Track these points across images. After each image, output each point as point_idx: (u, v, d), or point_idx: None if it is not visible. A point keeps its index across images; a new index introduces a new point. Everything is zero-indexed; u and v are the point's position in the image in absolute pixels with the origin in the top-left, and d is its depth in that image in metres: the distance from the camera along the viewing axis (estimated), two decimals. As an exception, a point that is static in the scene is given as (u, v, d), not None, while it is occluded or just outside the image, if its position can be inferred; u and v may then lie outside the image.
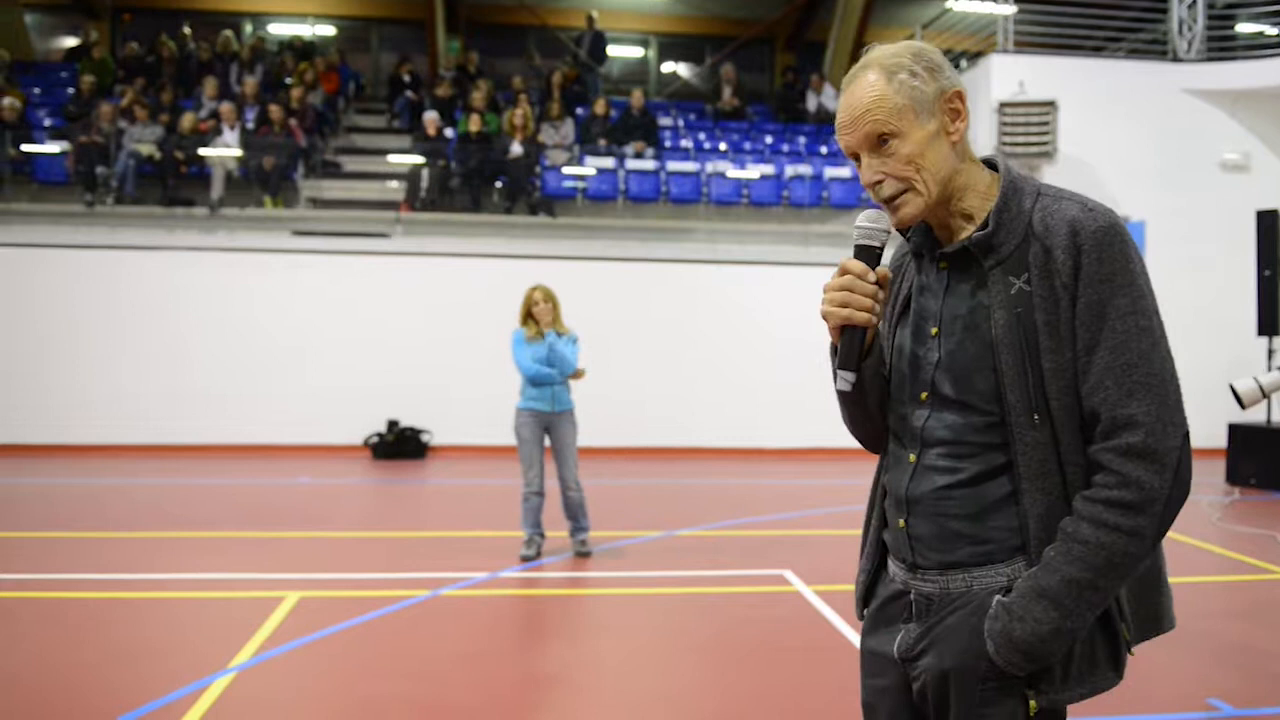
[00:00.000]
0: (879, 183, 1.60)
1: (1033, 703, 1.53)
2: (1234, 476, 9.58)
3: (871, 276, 1.63)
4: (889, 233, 1.66)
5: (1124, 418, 1.47)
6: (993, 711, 1.54)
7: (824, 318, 1.65)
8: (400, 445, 11.14)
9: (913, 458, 1.64)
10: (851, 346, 1.65)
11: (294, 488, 9.19)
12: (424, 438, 11.28)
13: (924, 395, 1.63)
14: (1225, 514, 8.15)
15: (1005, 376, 1.54)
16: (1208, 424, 11.30)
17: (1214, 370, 11.80)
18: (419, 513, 8.62)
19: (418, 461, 11.00)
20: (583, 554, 6.31)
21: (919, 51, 1.60)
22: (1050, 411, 1.52)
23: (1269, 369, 9.42)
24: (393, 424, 11.26)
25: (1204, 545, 6.91)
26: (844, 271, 1.63)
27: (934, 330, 1.63)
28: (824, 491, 9.26)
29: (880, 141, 1.57)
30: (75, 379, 10.99)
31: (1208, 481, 9.78)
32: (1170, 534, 6.46)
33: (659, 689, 4.17)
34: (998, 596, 1.54)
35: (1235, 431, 9.72)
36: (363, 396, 11.25)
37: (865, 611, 1.80)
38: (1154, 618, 1.62)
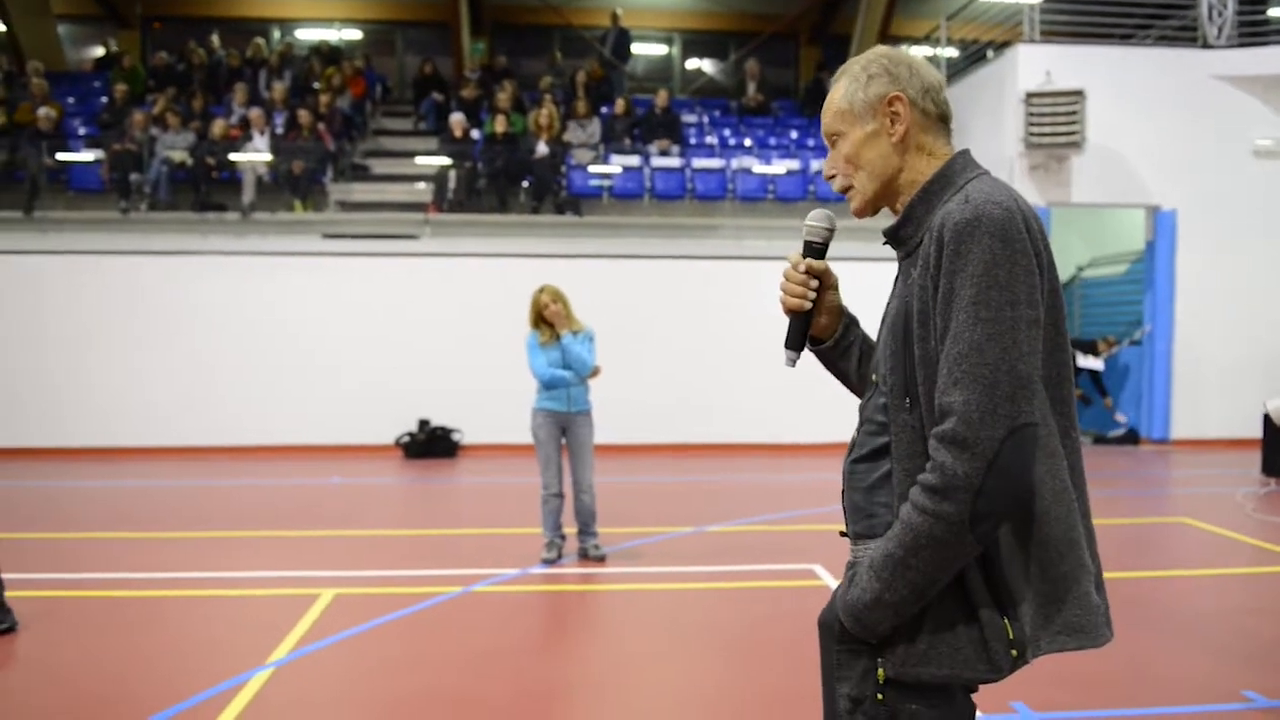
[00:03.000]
0: (833, 177, 1.78)
1: (880, 670, 1.60)
2: (1270, 467, 9.45)
3: (802, 267, 1.84)
4: (832, 230, 1.86)
5: (945, 405, 1.49)
6: (847, 674, 1.64)
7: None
8: (431, 444, 11.24)
9: (855, 434, 1.78)
10: (793, 329, 1.87)
11: (327, 487, 9.31)
12: (455, 437, 11.37)
13: (874, 376, 1.75)
14: (1260, 505, 8.05)
15: (888, 362, 1.65)
16: (1242, 413, 11.20)
17: (1248, 358, 11.70)
18: (450, 511, 8.71)
19: (449, 460, 11.09)
20: (598, 558, 6.16)
21: (874, 59, 1.73)
22: (919, 397, 1.58)
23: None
24: (424, 423, 11.37)
25: (1238, 536, 6.84)
26: (789, 263, 1.86)
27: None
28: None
29: (832, 141, 1.77)
30: (111, 382, 11.18)
31: (1242, 473, 9.67)
32: (1203, 525, 6.36)
33: (689, 683, 4.20)
34: None
35: (1271, 422, 9.58)
36: (394, 396, 11.36)
37: None
38: (1070, 629, 1.58)
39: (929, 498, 1.48)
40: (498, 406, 11.07)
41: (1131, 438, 12.18)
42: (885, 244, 1.76)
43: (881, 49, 1.74)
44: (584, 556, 6.21)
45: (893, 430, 1.62)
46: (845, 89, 1.72)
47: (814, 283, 1.84)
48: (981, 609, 1.55)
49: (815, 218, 1.84)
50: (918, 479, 1.52)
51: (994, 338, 1.47)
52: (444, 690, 4.04)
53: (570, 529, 6.38)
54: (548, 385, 6.08)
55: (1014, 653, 1.55)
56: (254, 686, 4.00)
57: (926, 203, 1.65)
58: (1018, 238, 1.51)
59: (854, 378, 1.94)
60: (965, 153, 1.70)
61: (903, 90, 1.67)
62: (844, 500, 1.77)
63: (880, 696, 1.59)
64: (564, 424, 6.13)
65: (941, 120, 1.72)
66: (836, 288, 1.90)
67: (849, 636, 1.62)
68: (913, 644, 1.57)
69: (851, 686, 1.62)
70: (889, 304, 1.74)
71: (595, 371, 6.18)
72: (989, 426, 1.45)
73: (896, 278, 1.74)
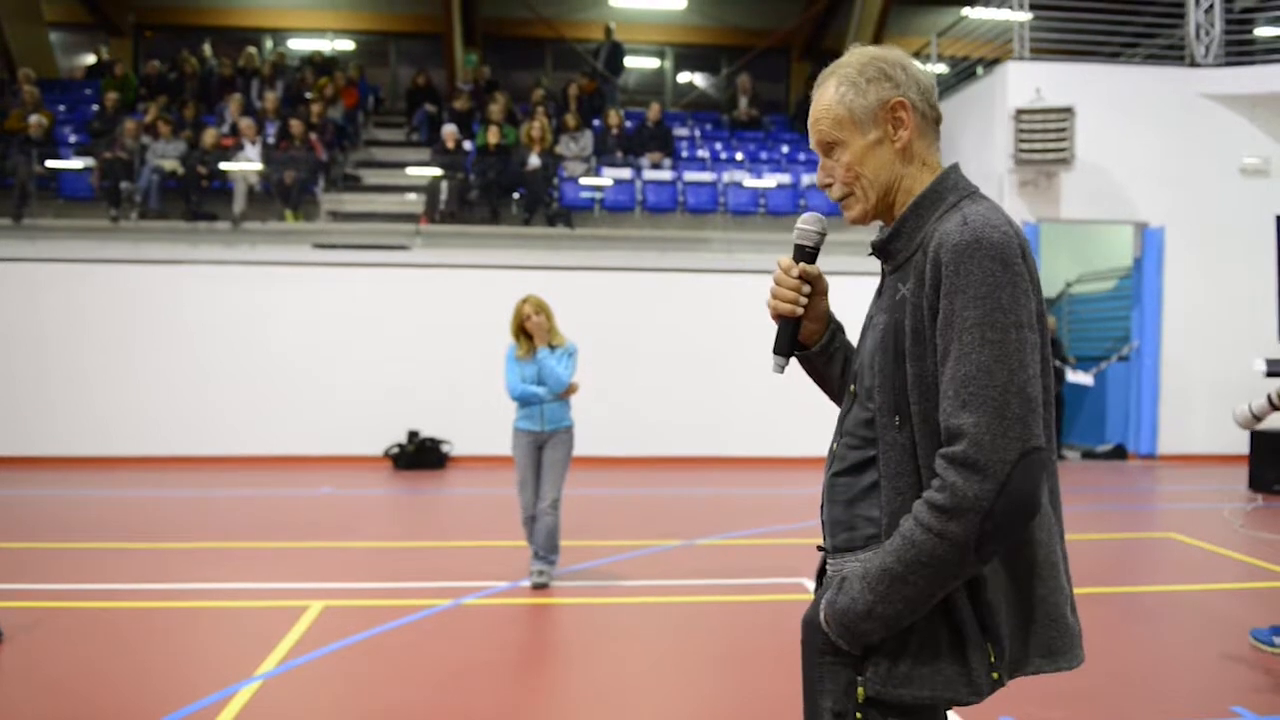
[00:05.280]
0: (829, 185, 1.74)
1: (860, 689, 1.58)
2: (1257, 483, 9.52)
3: (795, 272, 1.81)
4: (823, 234, 1.84)
5: (954, 428, 1.48)
6: (827, 688, 1.63)
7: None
8: (421, 456, 11.21)
9: (834, 446, 1.76)
10: (782, 334, 1.85)
11: (316, 498, 9.27)
12: (444, 448, 11.34)
13: (851, 387, 1.75)
14: (1247, 521, 8.10)
15: (877, 378, 1.63)
16: (1229, 429, 11.21)
17: (1234, 377, 11.75)
18: (440, 523, 8.68)
19: (438, 472, 11.06)
20: (539, 585, 5.78)
21: (868, 61, 1.68)
22: (910, 415, 1.57)
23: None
24: (413, 434, 11.34)
25: (1226, 552, 6.87)
26: (779, 268, 1.83)
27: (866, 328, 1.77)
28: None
29: (827, 149, 1.72)
30: (100, 391, 11.12)
31: (1230, 489, 9.72)
32: (1190, 540, 6.37)
33: (679, 697, 4.20)
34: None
35: (1257, 438, 9.65)
36: (383, 407, 11.33)
37: None
38: (1047, 652, 1.61)
39: (936, 517, 1.47)
40: (487, 418, 11.01)
41: (1119, 453, 12.24)
42: (870, 255, 1.74)
43: (872, 50, 1.70)
44: (532, 583, 5.82)
45: (881, 447, 1.61)
46: (840, 94, 1.67)
47: (806, 288, 1.82)
48: (966, 631, 1.55)
49: (807, 221, 1.83)
50: (924, 496, 1.51)
51: (1002, 360, 1.47)
52: (432, 704, 4.02)
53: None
54: (520, 402, 5.88)
55: (995, 675, 1.56)
56: (241, 699, 3.97)
57: (917, 217, 1.64)
58: (1015, 262, 1.51)
59: (836, 385, 1.92)
60: (956, 167, 1.70)
61: (904, 95, 1.65)
62: (823, 514, 1.76)
63: (860, 715, 1.59)
64: (541, 443, 5.89)
65: (935, 124, 1.71)
66: (826, 293, 1.88)
67: (832, 648, 1.61)
68: (895, 665, 1.56)
69: (835, 701, 1.62)
70: (871, 316, 1.73)
71: (571, 389, 5.92)
72: (1001, 450, 1.44)
73: (881, 289, 1.73)
